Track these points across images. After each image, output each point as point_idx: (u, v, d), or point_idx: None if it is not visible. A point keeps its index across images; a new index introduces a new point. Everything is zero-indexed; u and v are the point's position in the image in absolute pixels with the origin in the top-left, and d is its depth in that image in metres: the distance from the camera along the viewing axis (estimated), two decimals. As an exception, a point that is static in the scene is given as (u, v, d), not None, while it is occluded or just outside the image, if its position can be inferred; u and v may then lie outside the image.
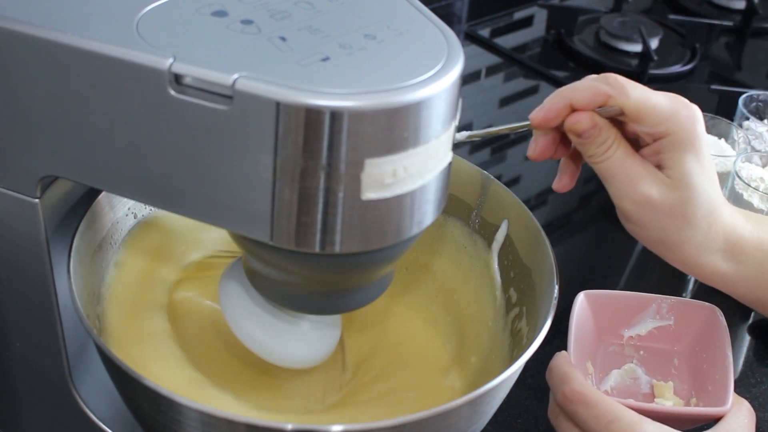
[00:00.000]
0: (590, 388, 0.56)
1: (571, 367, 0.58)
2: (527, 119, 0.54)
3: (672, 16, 1.33)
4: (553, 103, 0.53)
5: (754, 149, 0.90)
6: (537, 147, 0.55)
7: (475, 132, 0.55)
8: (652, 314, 0.69)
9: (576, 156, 0.57)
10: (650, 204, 0.54)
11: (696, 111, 0.54)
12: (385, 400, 0.60)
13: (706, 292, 0.84)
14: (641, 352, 0.69)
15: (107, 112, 0.42)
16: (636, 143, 0.55)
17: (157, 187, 0.44)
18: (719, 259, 0.57)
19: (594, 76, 0.55)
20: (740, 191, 0.81)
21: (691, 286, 0.85)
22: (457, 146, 0.46)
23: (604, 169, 0.54)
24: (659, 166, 0.54)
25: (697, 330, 0.68)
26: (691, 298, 0.84)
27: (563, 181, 0.58)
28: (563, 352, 0.61)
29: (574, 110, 0.53)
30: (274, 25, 0.43)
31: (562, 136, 0.55)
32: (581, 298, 0.67)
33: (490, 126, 0.59)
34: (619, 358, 0.69)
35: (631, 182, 0.54)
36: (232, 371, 0.60)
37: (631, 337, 0.69)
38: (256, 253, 0.48)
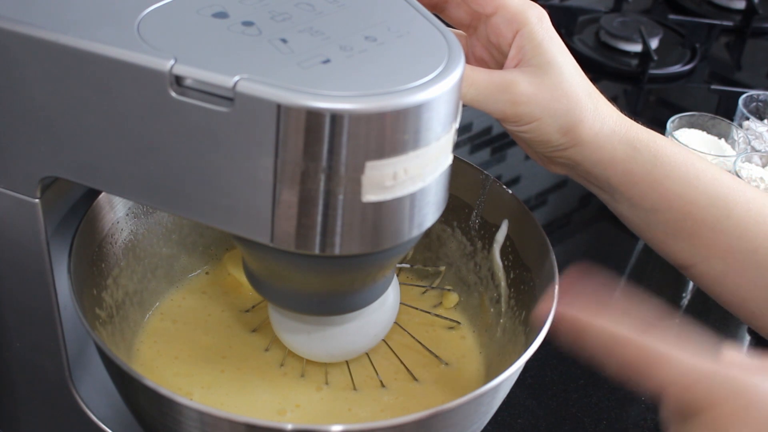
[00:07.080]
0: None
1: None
2: None
3: (672, 16, 1.34)
4: None
5: (754, 149, 0.90)
6: None
7: None
8: None
9: None
10: (532, 96, 0.54)
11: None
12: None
13: (705, 293, 0.84)
14: None
15: (108, 114, 0.42)
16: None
17: (157, 189, 0.44)
18: (616, 142, 0.56)
19: None
20: (740, 192, 0.81)
21: (690, 285, 0.85)
22: (457, 146, 0.46)
23: (475, 99, 0.54)
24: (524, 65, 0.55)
25: None
26: (690, 299, 0.84)
27: None
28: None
29: None
30: (274, 26, 0.43)
31: None
32: None
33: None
34: None
35: (503, 90, 0.54)
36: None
37: None
38: (256, 255, 0.48)
